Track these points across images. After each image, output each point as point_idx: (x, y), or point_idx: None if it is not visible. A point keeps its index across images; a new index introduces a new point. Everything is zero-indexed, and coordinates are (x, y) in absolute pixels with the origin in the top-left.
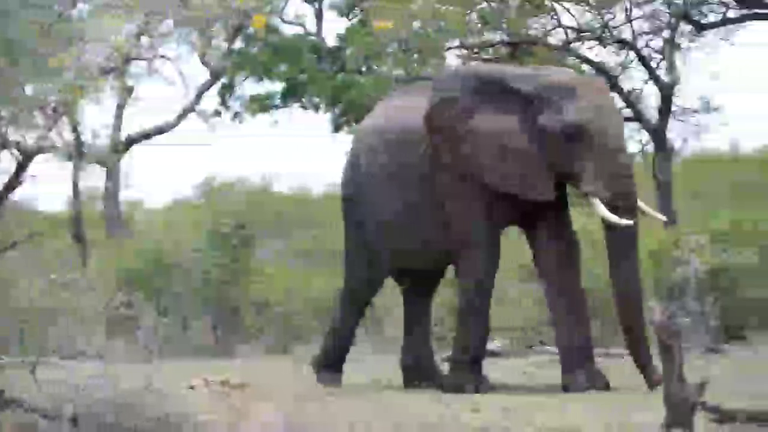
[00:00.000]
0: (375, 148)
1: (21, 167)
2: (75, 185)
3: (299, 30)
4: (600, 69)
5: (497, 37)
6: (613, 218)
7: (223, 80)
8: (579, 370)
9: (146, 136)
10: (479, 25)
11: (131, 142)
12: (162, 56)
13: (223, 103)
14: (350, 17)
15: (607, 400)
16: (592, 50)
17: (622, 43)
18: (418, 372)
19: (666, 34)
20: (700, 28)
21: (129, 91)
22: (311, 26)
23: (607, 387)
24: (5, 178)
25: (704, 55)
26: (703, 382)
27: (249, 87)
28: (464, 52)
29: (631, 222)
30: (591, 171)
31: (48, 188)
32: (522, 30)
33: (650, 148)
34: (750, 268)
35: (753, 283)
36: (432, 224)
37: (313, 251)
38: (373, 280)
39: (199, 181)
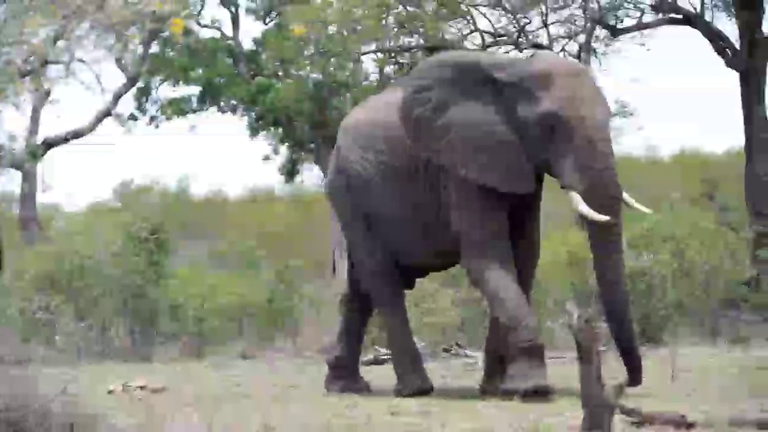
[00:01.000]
0: (359, 142)
1: None
2: None
3: (216, 34)
4: None
5: (414, 41)
6: (590, 213)
7: (140, 84)
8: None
9: (64, 139)
10: (395, 29)
11: (48, 145)
12: (79, 60)
13: (140, 106)
14: (267, 21)
15: (526, 404)
16: (509, 54)
17: (539, 48)
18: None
19: (582, 38)
20: (616, 32)
21: (46, 93)
22: (228, 30)
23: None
24: None
25: (620, 60)
26: (621, 384)
27: (165, 91)
28: (380, 56)
29: (605, 218)
30: (568, 162)
31: None
32: (438, 34)
33: None
34: (666, 271)
35: (669, 286)
36: (422, 222)
37: (230, 255)
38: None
39: (116, 185)
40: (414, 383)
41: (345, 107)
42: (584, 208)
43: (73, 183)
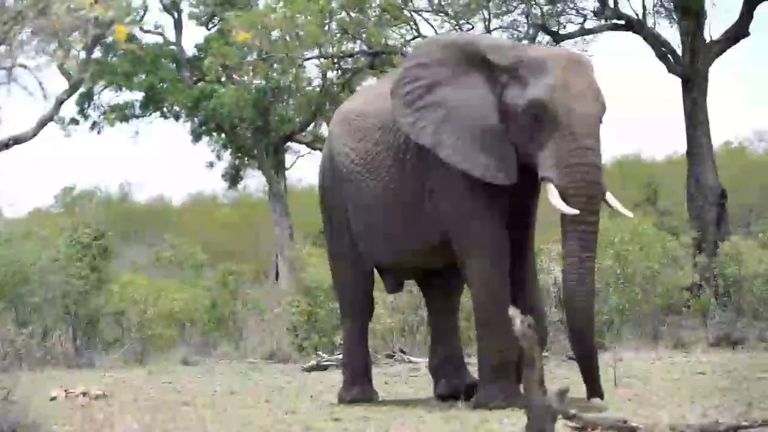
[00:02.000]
0: (350, 132)
1: None
2: None
3: (159, 39)
4: None
5: (356, 47)
6: (564, 207)
7: (82, 89)
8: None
9: (5, 145)
10: (338, 35)
11: None
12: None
13: (82, 112)
14: (209, 27)
15: (469, 410)
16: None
17: None
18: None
19: (525, 44)
20: (559, 38)
21: None
22: (171, 36)
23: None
24: None
25: None
26: (563, 390)
27: (108, 96)
28: (323, 61)
29: (574, 211)
30: (550, 154)
31: None
32: (381, 40)
33: None
34: (608, 276)
35: (611, 292)
36: (413, 215)
37: (173, 261)
38: (357, 278)
39: (58, 191)
40: (354, 392)
41: (287, 113)
42: (557, 202)
43: (14, 189)
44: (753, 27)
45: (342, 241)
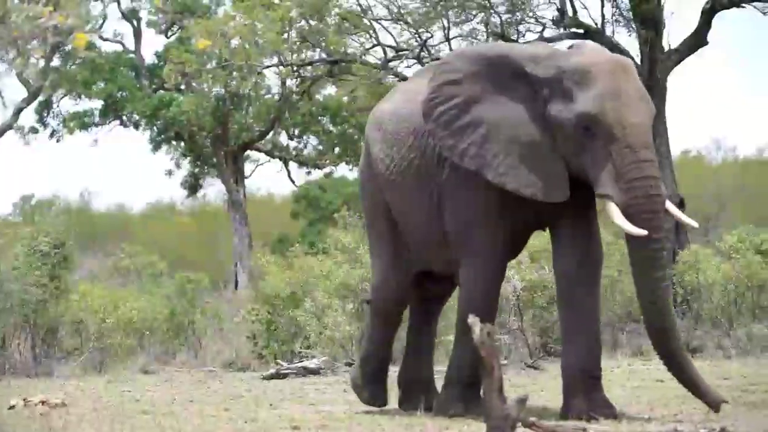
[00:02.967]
0: (384, 134)
1: None
2: None
3: (118, 47)
4: None
5: (316, 55)
6: (627, 226)
7: (41, 98)
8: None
9: None
10: (298, 43)
11: None
12: None
13: (41, 120)
14: (169, 35)
15: (429, 418)
16: (411, 69)
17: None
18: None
19: None
20: None
21: None
22: (130, 44)
23: (613, 416)
24: None
25: None
26: (523, 398)
27: (67, 104)
28: (283, 69)
29: (643, 232)
30: (607, 170)
31: None
32: (341, 48)
33: None
34: None
35: None
36: (434, 223)
37: (132, 269)
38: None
39: (17, 199)
40: (364, 396)
41: (246, 121)
42: (621, 221)
43: None
44: (711, 36)
45: (389, 248)
